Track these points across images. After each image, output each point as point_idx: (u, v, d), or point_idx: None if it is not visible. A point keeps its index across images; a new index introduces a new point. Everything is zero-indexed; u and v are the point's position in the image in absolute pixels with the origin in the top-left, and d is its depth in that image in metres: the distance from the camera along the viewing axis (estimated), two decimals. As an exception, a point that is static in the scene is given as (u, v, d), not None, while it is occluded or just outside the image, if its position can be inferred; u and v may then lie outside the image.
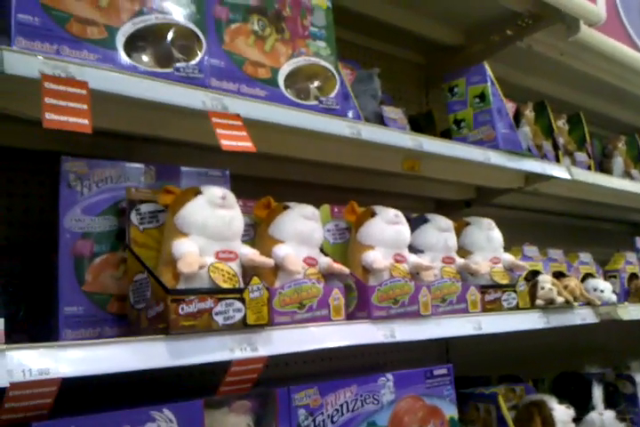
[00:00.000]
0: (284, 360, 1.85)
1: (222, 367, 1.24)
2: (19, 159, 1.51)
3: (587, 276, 2.31)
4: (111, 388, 1.45)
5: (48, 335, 1.27)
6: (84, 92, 1.16)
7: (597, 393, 2.05)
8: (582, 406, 2.03)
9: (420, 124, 2.21)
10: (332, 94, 1.55)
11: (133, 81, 1.22)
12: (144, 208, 1.37)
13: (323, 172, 1.91)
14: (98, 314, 1.31)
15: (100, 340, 1.13)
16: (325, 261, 1.48)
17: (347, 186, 2.02)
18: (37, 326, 1.39)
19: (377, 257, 1.53)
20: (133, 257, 1.30)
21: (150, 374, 1.23)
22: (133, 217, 1.35)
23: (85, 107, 1.15)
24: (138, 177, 1.42)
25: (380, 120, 1.71)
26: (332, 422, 1.41)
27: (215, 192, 1.30)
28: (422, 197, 2.38)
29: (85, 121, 1.14)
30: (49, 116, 1.10)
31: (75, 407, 1.19)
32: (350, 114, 1.60)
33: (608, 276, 2.44)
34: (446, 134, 2.12)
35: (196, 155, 1.62)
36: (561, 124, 2.45)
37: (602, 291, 2.22)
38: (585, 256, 2.37)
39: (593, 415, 2.01)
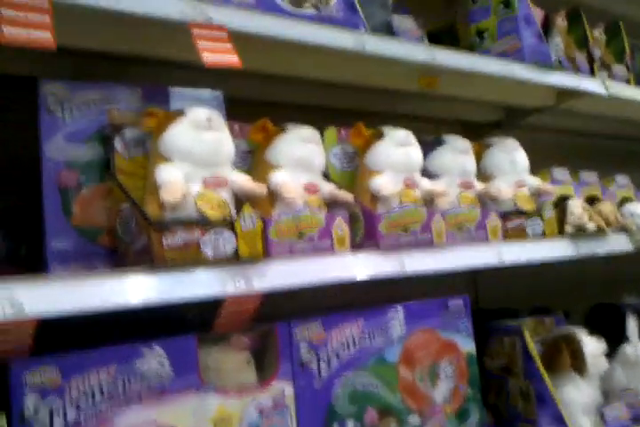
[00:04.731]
0: (287, 296, 1.78)
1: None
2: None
3: (624, 200, 2.14)
4: (107, 327, 1.39)
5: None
6: (44, 3, 1.04)
7: (632, 325, 1.93)
8: (617, 340, 1.93)
9: (441, 39, 2.02)
10: (333, 2, 1.39)
11: (100, -11, 1.10)
12: (129, 134, 1.27)
13: (330, 93, 1.77)
14: (88, 248, 1.23)
15: (77, 274, 1.06)
16: (328, 187, 1.36)
17: (359, 109, 1.87)
18: (39, 262, 1.34)
19: (384, 183, 1.40)
20: (118, 187, 1.22)
21: (149, 312, 1.17)
22: (118, 143, 1.26)
23: (47, 19, 1.03)
24: (123, 100, 1.31)
25: (390, 31, 1.54)
26: (337, 357, 1.34)
27: (199, 114, 1.18)
28: (447, 120, 2.21)
29: (48, 35, 1.03)
30: (6, 30, 0.99)
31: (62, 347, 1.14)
32: (354, 24, 1.43)
33: (647, 200, 2.26)
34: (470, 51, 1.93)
35: (189, 76, 1.49)
36: (597, 34, 2.21)
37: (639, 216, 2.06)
38: (622, 179, 2.19)
39: (627, 349, 1.91)
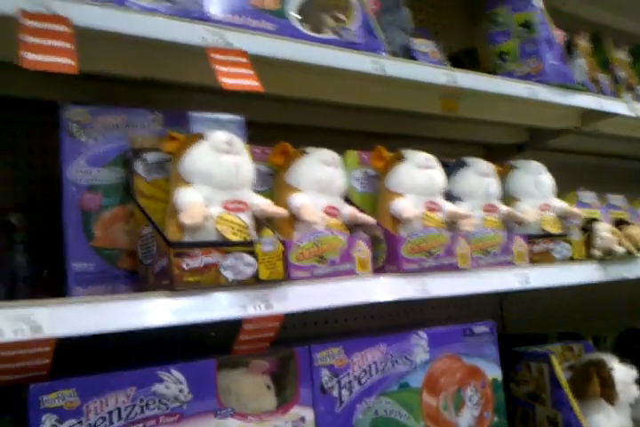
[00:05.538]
0: (307, 320, 1.76)
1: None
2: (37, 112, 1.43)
3: (653, 223, 2.10)
4: (128, 350, 1.39)
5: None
6: (67, 29, 1.07)
7: (664, 352, 1.87)
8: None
9: (462, 62, 2.02)
10: (352, 26, 1.39)
11: (121, 16, 1.12)
12: (150, 157, 1.28)
13: (350, 116, 1.77)
14: (109, 270, 1.24)
15: (96, 297, 1.06)
16: (349, 210, 1.36)
17: (381, 131, 1.87)
18: (61, 285, 1.35)
19: (406, 205, 1.39)
20: (139, 209, 1.22)
21: (172, 334, 1.16)
22: (138, 167, 1.26)
23: (69, 45, 1.05)
24: (145, 124, 1.32)
25: (410, 55, 1.54)
26: (360, 383, 1.31)
27: (219, 137, 1.18)
28: (470, 142, 2.20)
29: (70, 61, 1.04)
30: (27, 55, 1.01)
31: (82, 369, 1.13)
32: (375, 48, 1.43)
33: (677, 223, 2.21)
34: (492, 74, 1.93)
35: (212, 101, 1.51)
36: (622, 55, 2.19)
37: (670, 240, 2.01)
38: (652, 202, 2.15)
39: (658, 376, 1.84)
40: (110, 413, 1.06)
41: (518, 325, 2.29)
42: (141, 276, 1.22)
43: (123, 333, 1.02)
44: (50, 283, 1.36)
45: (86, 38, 1.08)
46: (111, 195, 1.26)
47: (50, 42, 1.03)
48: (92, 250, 1.23)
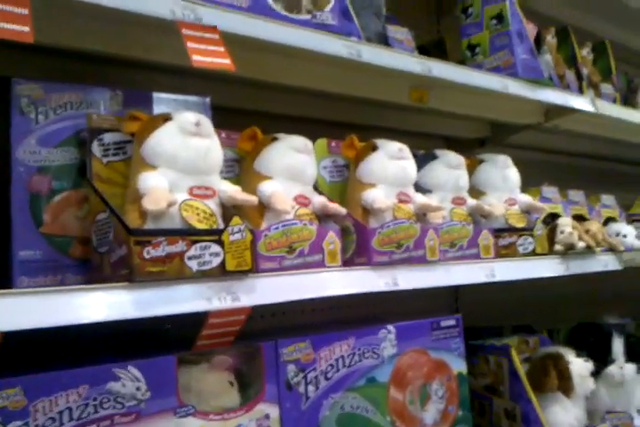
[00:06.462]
0: (273, 311, 1.70)
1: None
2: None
3: (608, 220, 2.13)
4: (87, 344, 1.30)
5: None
6: (23, -7, 0.97)
7: (617, 345, 1.90)
8: (601, 359, 1.89)
9: (429, 53, 1.99)
10: (328, 8, 1.33)
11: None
12: (108, 138, 1.19)
13: (319, 103, 1.70)
14: (59, 259, 1.15)
15: (47, 288, 0.97)
16: (319, 200, 1.30)
17: (346, 121, 1.81)
18: (4, 274, 1.24)
19: (378, 196, 1.34)
20: (95, 194, 1.13)
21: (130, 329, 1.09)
22: (95, 148, 1.18)
23: (26, 12, 0.96)
24: (103, 103, 1.23)
25: (384, 41, 1.49)
26: (327, 378, 1.26)
27: (187, 117, 1.11)
28: (431, 135, 2.16)
29: (26, 28, 0.95)
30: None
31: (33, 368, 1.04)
32: (349, 32, 1.38)
33: (631, 220, 2.25)
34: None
35: (175, 83, 1.43)
36: (585, 53, 2.21)
37: (624, 236, 2.04)
38: (607, 199, 2.18)
39: (612, 369, 1.87)
40: (60, 413, 0.98)
41: (472, 317, 2.29)
42: (95, 265, 1.13)
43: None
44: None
45: (42, 6, 0.98)
46: (62, 177, 1.17)
47: (4, 7, 0.94)
48: (40, 237, 1.14)
